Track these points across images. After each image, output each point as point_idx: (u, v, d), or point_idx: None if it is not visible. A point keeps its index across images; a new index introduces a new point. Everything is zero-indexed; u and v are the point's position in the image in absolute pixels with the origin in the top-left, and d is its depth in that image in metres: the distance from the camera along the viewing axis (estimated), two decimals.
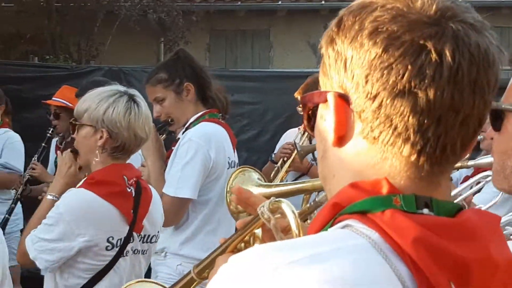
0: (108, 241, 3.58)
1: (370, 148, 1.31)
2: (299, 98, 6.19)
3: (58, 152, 4.45)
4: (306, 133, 6.45)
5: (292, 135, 6.64)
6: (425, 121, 1.25)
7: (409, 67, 1.24)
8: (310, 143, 6.45)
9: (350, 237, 1.24)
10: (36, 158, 6.57)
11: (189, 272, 2.05)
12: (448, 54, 1.24)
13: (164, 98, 4.77)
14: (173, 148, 4.86)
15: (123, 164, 3.75)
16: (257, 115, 9.24)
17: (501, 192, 3.23)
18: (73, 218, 3.49)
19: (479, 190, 4.55)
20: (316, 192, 2.43)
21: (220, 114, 5.02)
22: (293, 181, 6.46)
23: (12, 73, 9.31)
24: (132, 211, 3.66)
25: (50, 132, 6.66)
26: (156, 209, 3.91)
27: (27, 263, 3.70)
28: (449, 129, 1.26)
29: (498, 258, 1.27)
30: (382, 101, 1.26)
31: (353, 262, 1.19)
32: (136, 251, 3.75)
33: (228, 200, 2.36)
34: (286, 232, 1.78)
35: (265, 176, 2.79)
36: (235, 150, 5.07)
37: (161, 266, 4.73)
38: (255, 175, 2.63)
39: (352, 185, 1.31)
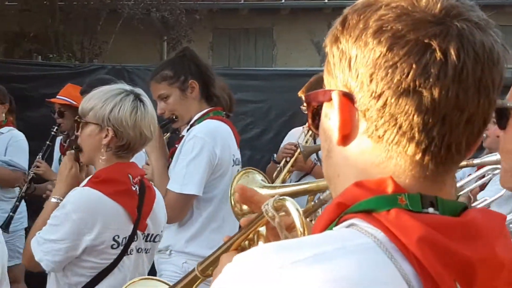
0: (114, 239, 3.58)
1: (375, 147, 1.31)
2: (303, 97, 6.19)
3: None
4: (310, 132, 6.45)
5: (296, 134, 6.64)
6: (430, 120, 1.25)
7: (414, 66, 1.23)
8: (315, 142, 6.46)
9: (355, 236, 1.24)
10: (40, 156, 6.56)
11: (193, 270, 2.05)
12: (453, 53, 1.23)
13: (169, 95, 4.77)
14: (176, 145, 4.86)
15: (127, 163, 3.75)
16: (261, 113, 9.22)
17: (504, 190, 3.23)
18: (80, 216, 3.48)
19: (483, 186, 4.55)
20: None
21: (224, 113, 5.02)
22: (297, 181, 6.47)
23: (15, 71, 9.29)
24: (136, 209, 3.66)
25: (54, 130, 6.64)
26: (159, 209, 3.91)
27: (33, 265, 3.68)
28: (454, 128, 1.26)
29: (503, 257, 1.27)
30: (386, 100, 1.26)
31: (358, 261, 1.19)
32: (140, 250, 3.76)
33: (233, 203, 2.36)
34: (290, 229, 1.78)
35: (268, 176, 2.78)
36: (239, 149, 5.07)
37: (166, 265, 4.72)
38: (258, 177, 2.62)
39: (357, 184, 1.31)
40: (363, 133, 1.32)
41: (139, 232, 3.71)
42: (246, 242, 1.91)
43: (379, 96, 1.27)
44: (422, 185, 1.30)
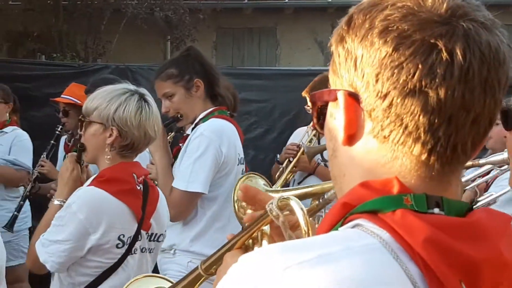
0: (119, 238, 3.58)
1: (381, 147, 1.31)
2: (307, 96, 6.20)
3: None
4: (314, 132, 6.45)
5: (301, 134, 6.64)
6: (436, 120, 1.25)
7: (420, 66, 1.23)
8: (319, 142, 6.46)
9: (360, 237, 1.24)
10: (45, 155, 6.56)
11: (196, 268, 2.05)
12: (459, 53, 1.23)
13: (174, 94, 4.77)
14: (180, 144, 4.86)
15: (131, 162, 3.75)
16: (265, 113, 9.21)
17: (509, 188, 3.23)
18: (86, 216, 3.48)
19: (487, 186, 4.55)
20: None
21: (229, 112, 5.02)
22: (300, 181, 6.48)
23: (19, 71, 9.28)
24: (140, 209, 3.67)
25: (59, 129, 6.65)
26: (162, 208, 3.91)
27: (37, 267, 3.66)
28: (460, 129, 1.26)
29: (508, 257, 1.27)
30: (392, 100, 1.26)
31: (364, 262, 1.19)
32: (143, 249, 3.76)
33: (236, 208, 2.36)
34: (294, 229, 1.78)
35: (272, 178, 2.76)
36: (242, 148, 5.06)
37: (170, 264, 4.72)
38: (261, 181, 2.62)
39: (362, 184, 1.31)
40: (369, 133, 1.32)
41: (143, 232, 3.71)
42: (250, 241, 1.91)
43: (385, 96, 1.27)
44: (428, 186, 1.30)
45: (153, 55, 18.03)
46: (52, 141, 6.62)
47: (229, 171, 4.75)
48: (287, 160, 6.46)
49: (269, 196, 1.94)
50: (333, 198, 2.04)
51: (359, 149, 1.34)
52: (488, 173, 4.01)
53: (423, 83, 1.23)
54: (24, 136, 7.25)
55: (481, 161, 2.90)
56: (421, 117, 1.25)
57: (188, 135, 4.78)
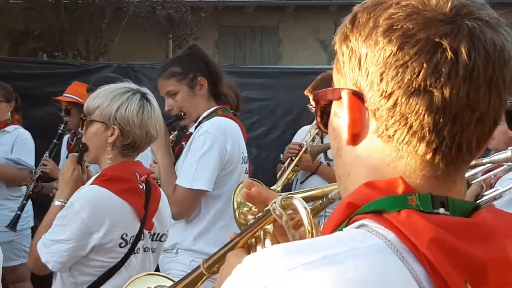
0: (122, 237, 3.58)
1: (385, 147, 1.30)
2: (309, 95, 6.20)
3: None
4: (317, 131, 6.45)
5: (305, 132, 6.64)
6: (441, 120, 1.24)
7: (425, 65, 1.23)
8: (322, 141, 6.46)
9: (365, 237, 1.23)
10: (47, 154, 6.56)
11: (198, 267, 2.05)
12: (463, 52, 1.23)
13: (177, 92, 4.77)
14: (183, 143, 4.86)
15: (134, 161, 3.75)
16: (267, 111, 9.22)
17: None
18: (88, 215, 3.48)
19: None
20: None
21: (232, 111, 5.02)
22: (303, 180, 6.47)
23: (20, 70, 9.30)
24: (143, 208, 3.66)
25: (61, 128, 6.65)
26: (165, 208, 3.91)
27: (39, 268, 3.66)
28: (465, 128, 1.26)
29: None
30: (397, 99, 1.25)
31: (369, 263, 1.19)
32: (146, 249, 3.75)
33: (237, 214, 2.35)
34: (297, 228, 1.78)
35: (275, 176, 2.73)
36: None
37: (172, 264, 4.71)
38: None
39: (367, 184, 1.30)
40: (373, 133, 1.31)
41: (145, 231, 3.71)
42: (253, 240, 1.91)
43: (390, 95, 1.26)
44: (433, 185, 1.29)
45: (155, 53, 18.05)
46: (54, 140, 6.62)
47: (233, 169, 4.74)
48: (289, 159, 6.46)
49: (272, 194, 1.94)
50: (337, 197, 2.03)
51: (363, 148, 1.34)
52: (492, 169, 4.01)
53: (428, 82, 1.23)
54: (26, 135, 7.26)
55: (485, 160, 2.89)
56: (426, 116, 1.24)
57: (191, 133, 4.77)
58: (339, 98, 1.36)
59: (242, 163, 4.83)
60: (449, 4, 1.27)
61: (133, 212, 3.62)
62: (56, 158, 6.81)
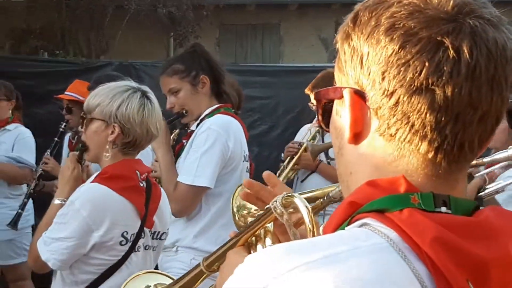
0: (122, 235, 3.57)
1: (387, 146, 1.30)
2: (309, 94, 6.21)
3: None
4: (318, 129, 6.45)
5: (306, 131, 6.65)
6: (443, 118, 1.24)
7: (427, 64, 1.23)
8: (323, 139, 6.46)
9: (368, 236, 1.23)
10: (48, 152, 6.55)
11: (198, 265, 2.05)
12: (465, 50, 1.23)
13: (179, 89, 4.77)
14: (184, 141, 4.86)
15: (134, 160, 3.75)
16: (268, 110, 9.23)
17: None
18: (89, 213, 3.47)
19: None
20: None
21: (233, 110, 5.02)
22: (303, 179, 6.48)
23: (22, 68, 9.31)
24: (144, 206, 3.66)
25: (63, 126, 6.63)
26: (165, 206, 3.91)
27: (39, 266, 3.65)
28: (467, 126, 1.26)
29: None
30: (399, 98, 1.25)
31: (371, 262, 1.18)
32: (147, 247, 3.75)
33: (237, 217, 2.36)
34: (298, 226, 1.78)
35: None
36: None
37: (172, 262, 4.69)
38: None
39: (369, 183, 1.30)
40: (375, 131, 1.31)
41: (146, 229, 3.70)
42: (253, 238, 1.91)
43: (392, 94, 1.26)
44: (435, 184, 1.29)
45: (156, 51, 18.03)
46: (56, 138, 6.60)
47: (235, 167, 4.74)
48: (288, 158, 6.47)
49: (272, 193, 1.93)
50: (338, 196, 2.04)
51: (365, 147, 1.34)
52: (492, 164, 4.02)
53: (430, 80, 1.23)
54: (27, 133, 7.26)
55: (486, 159, 2.89)
56: (428, 115, 1.24)
57: (192, 131, 4.77)
58: (341, 97, 1.36)
59: (243, 161, 4.83)
60: (451, 2, 1.27)
61: (134, 210, 3.61)
62: (58, 157, 6.80)
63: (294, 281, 1.16)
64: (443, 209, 1.27)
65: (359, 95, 1.32)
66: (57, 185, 3.93)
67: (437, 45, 1.23)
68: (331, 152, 6.29)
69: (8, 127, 7.21)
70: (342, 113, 1.37)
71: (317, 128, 6.47)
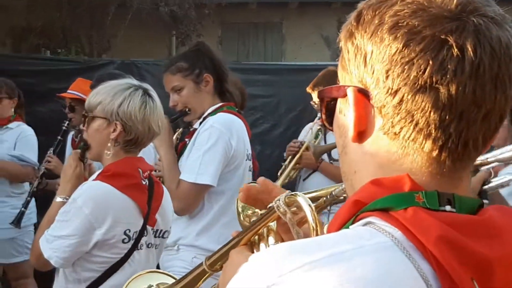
0: (125, 233, 3.57)
1: (391, 144, 1.31)
2: (311, 92, 6.21)
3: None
4: (319, 128, 6.45)
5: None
6: (447, 117, 1.24)
7: (431, 62, 1.23)
8: (325, 137, 6.46)
9: (372, 235, 1.23)
10: (51, 151, 6.55)
11: (200, 264, 2.05)
12: (469, 48, 1.23)
13: (183, 87, 4.77)
14: (186, 140, 4.85)
15: (136, 157, 3.75)
16: (270, 108, 9.22)
17: None
18: (91, 210, 3.47)
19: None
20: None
21: (236, 110, 5.01)
22: (305, 177, 6.48)
23: (23, 66, 9.30)
24: (146, 204, 3.66)
25: (65, 125, 6.63)
26: (167, 205, 3.91)
27: (41, 264, 3.64)
28: (471, 125, 1.26)
29: None
30: (403, 96, 1.25)
31: (376, 261, 1.18)
32: (150, 245, 3.75)
33: (242, 218, 2.36)
34: (301, 224, 1.78)
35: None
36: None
37: (174, 261, 4.69)
38: None
39: (373, 182, 1.30)
40: (379, 130, 1.31)
41: (148, 227, 3.70)
42: (256, 237, 1.91)
43: (396, 92, 1.26)
44: (439, 182, 1.30)
45: (158, 50, 18.02)
46: (59, 137, 6.60)
47: (238, 165, 4.74)
48: (290, 157, 6.47)
49: (271, 196, 1.93)
50: (341, 194, 2.04)
51: (369, 146, 1.34)
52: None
53: (434, 79, 1.23)
54: (29, 131, 7.25)
55: (490, 159, 2.89)
56: (432, 113, 1.24)
57: (195, 129, 4.77)
58: (345, 95, 1.36)
59: (246, 160, 4.83)
60: (455, 1, 1.27)
61: (136, 208, 3.61)
62: (61, 155, 6.80)
63: (298, 280, 1.16)
64: (448, 207, 1.27)
65: (363, 93, 1.32)
66: (59, 183, 3.93)
67: (441, 44, 1.23)
68: (333, 153, 6.29)
69: (10, 125, 7.21)
70: (346, 112, 1.37)
71: (319, 127, 6.47)
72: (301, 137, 6.68)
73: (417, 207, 1.24)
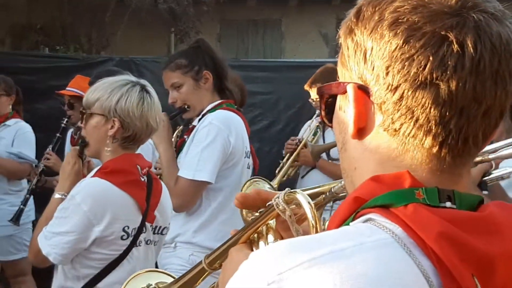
0: (124, 230, 3.57)
1: (391, 140, 1.30)
2: (308, 90, 6.21)
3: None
4: (318, 125, 6.46)
5: (311, 126, 6.66)
6: (447, 113, 1.24)
7: (431, 58, 1.22)
8: (323, 134, 6.47)
9: (372, 231, 1.23)
10: (50, 148, 6.55)
11: (200, 262, 2.04)
12: (470, 45, 1.22)
13: (182, 84, 4.77)
14: (185, 137, 4.85)
15: (135, 154, 3.75)
16: (269, 105, 9.22)
17: None
18: (90, 207, 3.47)
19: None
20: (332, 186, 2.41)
21: (236, 107, 5.01)
22: (304, 175, 6.49)
23: (23, 63, 9.29)
24: (145, 200, 3.66)
25: (64, 122, 6.63)
26: (166, 201, 3.91)
27: (39, 260, 3.64)
28: (471, 121, 1.25)
29: None
30: (403, 93, 1.25)
31: (376, 257, 1.18)
32: (148, 242, 3.75)
33: (244, 213, 2.35)
34: (300, 222, 1.77)
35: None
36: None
37: (171, 259, 4.69)
38: (266, 185, 2.60)
39: (373, 178, 1.30)
40: (379, 126, 1.31)
41: (147, 224, 3.70)
42: (255, 235, 1.90)
43: (396, 89, 1.26)
44: (439, 179, 1.29)
45: (157, 47, 18.01)
46: (57, 134, 6.60)
47: (236, 162, 4.73)
48: (287, 154, 6.48)
49: (265, 197, 1.92)
50: (340, 191, 2.03)
51: (369, 142, 1.34)
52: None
53: (434, 75, 1.23)
54: (27, 128, 7.25)
55: (491, 156, 2.89)
56: (432, 109, 1.24)
57: (194, 126, 4.77)
58: (344, 92, 1.36)
59: (245, 157, 4.83)
60: None
61: (135, 204, 3.61)
62: (60, 153, 6.80)
63: (298, 277, 1.16)
64: (448, 204, 1.27)
65: (363, 90, 1.31)
66: (58, 180, 3.92)
67: (441, 40, 1.23)
68: (332, 153, 6.30)
69: (8, 122, 7.20)
70: (345, 108, 1.37)
71: (317, 124, 6.48)
72: (300, 135, 6.68)
73: (418, 204, 1.24)
